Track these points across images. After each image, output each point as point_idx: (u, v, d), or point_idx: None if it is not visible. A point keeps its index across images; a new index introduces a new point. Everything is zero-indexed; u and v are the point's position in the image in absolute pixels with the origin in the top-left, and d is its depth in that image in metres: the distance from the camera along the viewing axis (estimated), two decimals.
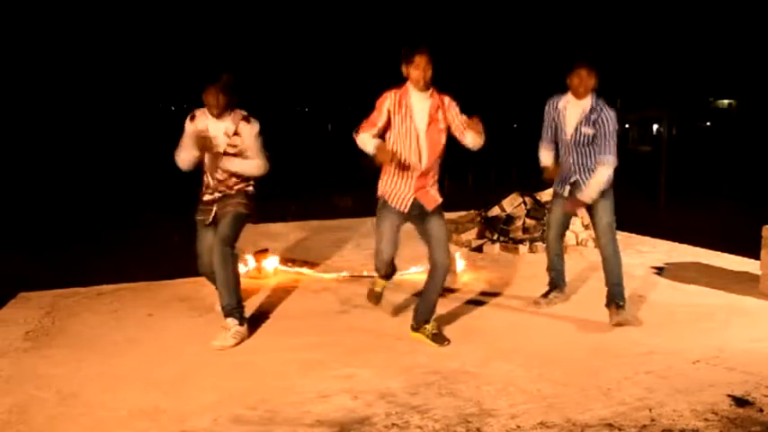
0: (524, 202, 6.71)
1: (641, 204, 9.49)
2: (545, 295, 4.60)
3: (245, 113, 3.97)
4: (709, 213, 9.48)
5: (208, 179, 4.01)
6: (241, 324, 3.89)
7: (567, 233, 6.49)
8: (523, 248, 6.28)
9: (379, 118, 3.69)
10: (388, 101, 3.69)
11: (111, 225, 8.74)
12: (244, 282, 5.17)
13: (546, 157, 4.46)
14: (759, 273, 4.97)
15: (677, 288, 5.05)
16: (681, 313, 4.39)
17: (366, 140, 3.65)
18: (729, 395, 3.09)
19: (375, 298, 4.22)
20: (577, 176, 4.23)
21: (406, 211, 3.76)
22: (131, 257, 6.34)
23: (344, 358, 3.59)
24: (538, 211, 6.64)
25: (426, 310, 3.88)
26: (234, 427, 2.81)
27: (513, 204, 6.73)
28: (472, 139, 3.66)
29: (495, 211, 6.79)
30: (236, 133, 3.92)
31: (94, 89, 37.77)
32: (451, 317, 4.33)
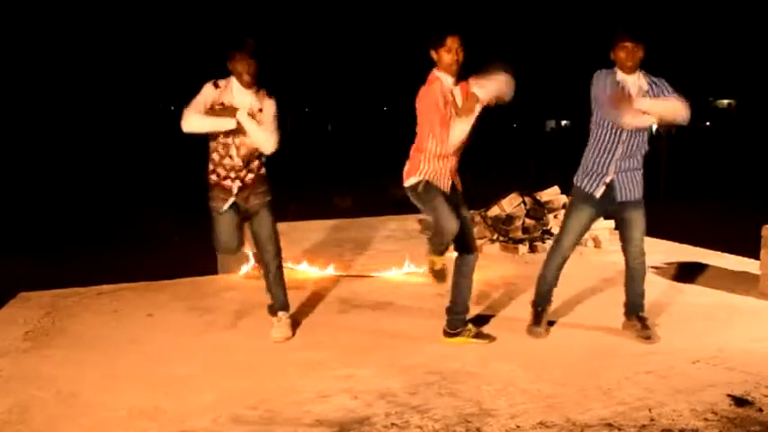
0: (524, 202, 6.71)
1: None
2: (539, 322, 4.00)
3: (265, 89, 3.77)
4: (709, 213, 9.48)
5: (229, 160, 3.71)
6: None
7: None
8: (523, 248, 6.29)
9: (442, 112, 3.54)
10: (437, 92, 3.54)
11: (111, 225, 8.74)
12: (244, 282, 5.19)
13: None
14: (759, 273, 4.97)
15: (677, 288, 5.05)
16: (681, 313, 4.38)
17: (456, 130, 3.52)
18: (729, 395, 3.09)
19: (440, 275, 3.75)
20: (615, 176, 3.68)
21: (449, 192, 3.68)
22: (132, 257, 6.34)
23: (344, 358, 3.59)
24: (538, 211, 6.64)
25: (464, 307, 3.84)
26: (234, 427, 2.81)
27: (512, 204, 6.73)
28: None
29: (495, 211, 6.79)
30: (260, 109, 3.71)
31: (94, 89, 37.75)
32: None
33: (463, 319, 3.85)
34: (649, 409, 2.95)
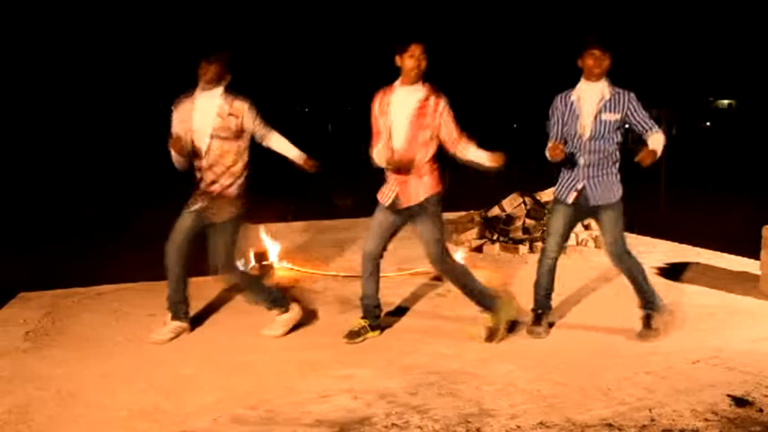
0: (524, 203, 6.71)
1: (641, 204, 9.49)
2: (540, 323, 4.03)
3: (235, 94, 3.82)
4: (709, 213, 9.48)
5: (198, 162, 3.82)
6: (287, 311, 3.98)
7: None
8: (523, 248, 6.28)
9: (376, 124, 3.71)
10: (376, 104, 3.72)
11: (110, 224, 8.74)
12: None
13: (551, 144, 3.79)
14: (759, 273, 4.97)
15: (677, 288, 5.05)
16: (681, 313, 4.38)
17: (377, 154, 3.66)
18: (729, 395, 3.09)
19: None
20: (585, 182, 3.81)
21: (388, 204, 3.75)
22: (131, 257, 6.33)
23: (344, 358, 3.59)
24: (538, 211, 6.64)
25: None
26: (234, 427, 2.81)
27: (512, 204, 6.73)
28: (473, 156, 3.67)
29: (495, 211, 6.79)
30: (230, 114, 3.76)
31: (93, 88, 37.75)
32: (451, 317, 4.33)
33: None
34: (649, 410, 2.95)
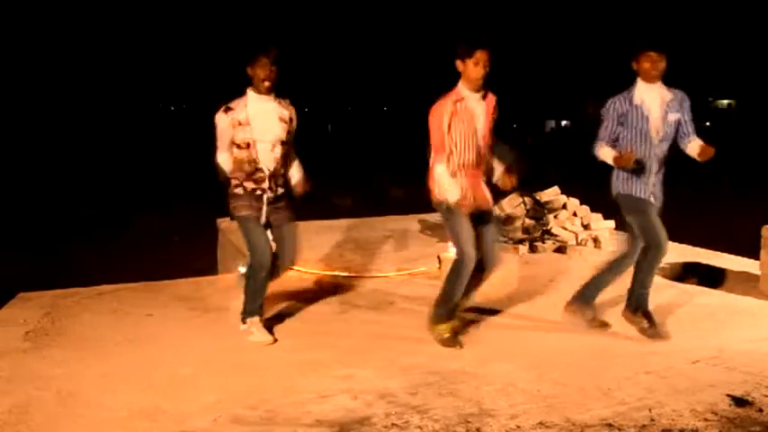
0: (524, 203, 6.71)
1: None
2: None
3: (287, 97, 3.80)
4: (709, 213, 9.48)
5: (260, 172, 3.72)
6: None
7: (566, 233, 6.50)
8: (523, 248, 6.28)
9: (443, 139, 3.65)
10: (445, 116, 3.63)
11: (110, 225, 8.74)
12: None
13: (608, 150, 3.77)
14: (759, 273, 4.97)
15: (677, 288, 5.05)
16: (681, 313, 4.38)
17: (444, 174, 3.65)
18: (729, 395, 3.09)
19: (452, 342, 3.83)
20: (655, 180, 3.83)
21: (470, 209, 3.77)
22: (132, 257, 6.34)
23: (344, 358, 3.59)
24: (538, 211, 6.64)
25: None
26: (234, 427, 2.81)
27: (512, 204, 6.72)
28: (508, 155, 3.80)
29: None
30: (291, 119, 3.76)
31: (94, 89, 37.76)
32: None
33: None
34: (649, 410, 2.94)
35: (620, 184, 3.90)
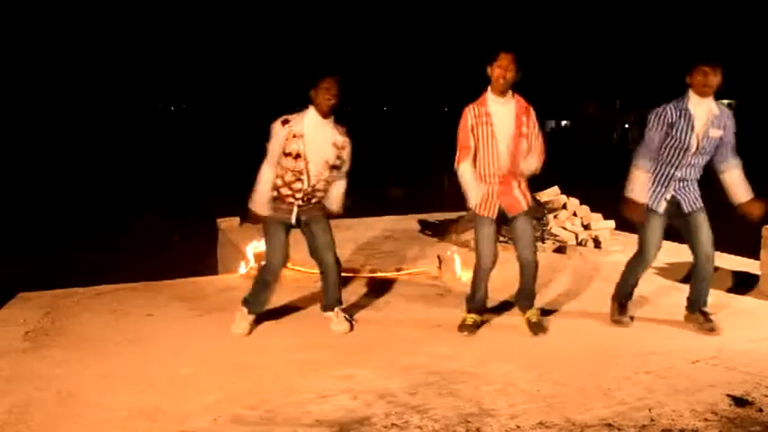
0: None
1: None
2: (624, 312, 4.24)
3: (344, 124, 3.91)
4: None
5: (299, 185, 3.84)
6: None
7: (566, 233, 6.50)
8: None
9: (468, 139, 3.78)
10: (469, 118, 3.78)
11: (110, 225, 8.74)
12: (244, 282, 5.18)
13: (641, 182, 3.89)
14: (759, 273, 4.97)
15: (677, 288, 5.05)
16: (681, 313, 4.38)
17: (467, 174, 3.79)
18: (729, 395, 3.09)
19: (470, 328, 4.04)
20: (674, 192, 3.92)
21: (494, 216, 3.88)
22: (132, 257, 6.34)
23: (344, 358, 3.59)
24: (537, 211, 6.63)
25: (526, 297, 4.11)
26: (234, 427, 2.81)
27: None
28: (530, 163, 3.84)
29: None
30: (342, 147, 3.86)
31: (94, 89, 37.78)
32: (451, 317, 4.32)
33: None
34: (649, 409, 2.94)
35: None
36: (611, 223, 6.51)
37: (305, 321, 4.25)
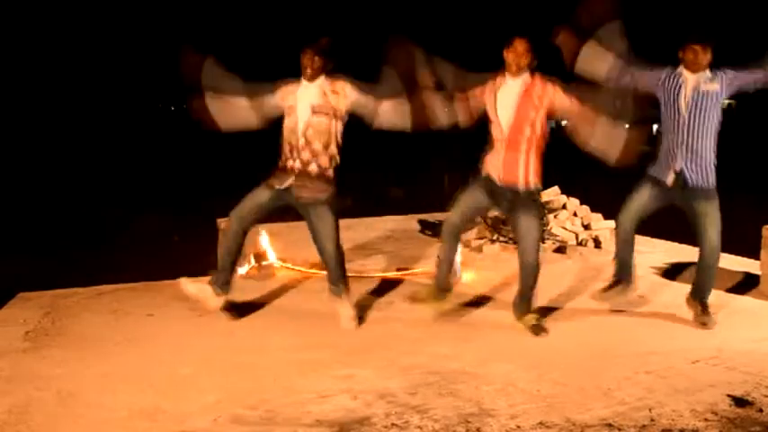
0: None
1: None
2: (606, 289, 4.28)
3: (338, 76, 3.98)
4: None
5: (294, 141, 3.97)
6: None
7: (566, 233, 6.50)
8: None
9: (477, 91, 3.93)
10: (483, 86, 3.92)
11: (111, 225, 8.74)
12: (244, 282, 5.18)
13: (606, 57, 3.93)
14: (759, 273, 4.97)
15: (677, 288, 5.04)
16: (681, 313, 4.38)
17: (460, 105, 3.96)
18: (729, 395, 3.09)
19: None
20: (683, 165, 3.85)
21: (491, 178, 3.96)
22: (132, 257, 6.34)
23: (344, 358, 3.59)
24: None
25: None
26: (234, 427, 2.81)
27: None
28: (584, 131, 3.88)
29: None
30: (333, 91, 3.95)
31: (94, 89, 37.75)
32: (451, 317, 4.33)
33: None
34: (649, 410, 2.95)
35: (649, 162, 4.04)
36: (612, 223, 6.50)
37: (305, 321, 4.25)
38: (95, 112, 34.73)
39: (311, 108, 3.91)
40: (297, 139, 3.93)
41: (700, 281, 4.16)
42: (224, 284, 4.03)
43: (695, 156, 3.85)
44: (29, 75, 34.71)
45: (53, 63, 36.32)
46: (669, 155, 3.91)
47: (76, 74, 37.12)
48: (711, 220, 3.92)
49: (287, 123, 3.98)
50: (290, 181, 3.95)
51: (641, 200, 4.04)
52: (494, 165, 3.93)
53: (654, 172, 4.02)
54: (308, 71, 3.90)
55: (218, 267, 4.04)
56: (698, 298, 4.17)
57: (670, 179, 3.91)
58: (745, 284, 5.05)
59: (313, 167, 3.95)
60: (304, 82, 3.95)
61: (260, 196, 3.99)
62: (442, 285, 4.25)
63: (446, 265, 4.18)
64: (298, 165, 3.94)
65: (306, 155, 3.93)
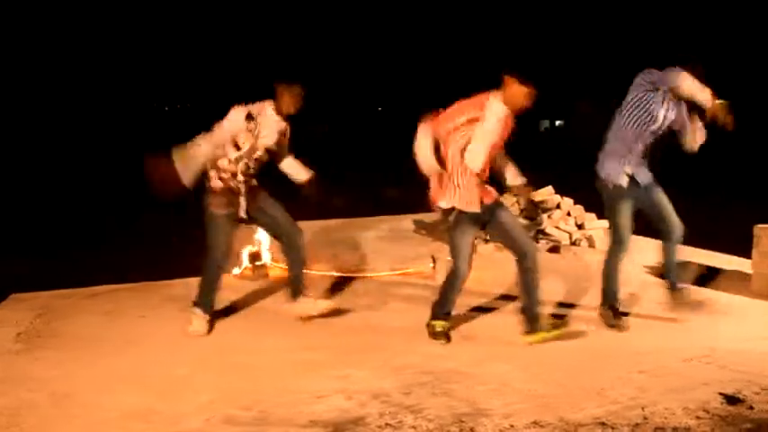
0: (518, 202, 6.72)
1: None
2: (619, 316, 4.22)
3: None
4: (703, 212, 9.50)
5: (237, 168, 3.94)
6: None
7: (560, 233, 6.51)
8: None
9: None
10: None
11: (110, 225, 8.72)
12: (237, 282, 5.18)
13: None
14: (750, 272, 4.99)
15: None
16: (673, 312, 4.40)
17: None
18: (721, 393, 3.11)
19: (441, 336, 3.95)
20: (634, 169, 4.08)
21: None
22: (130, 258, 6.33)
23: (339, 359, 3.59)
24: (531, 210, 6.65)
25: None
26: (227, 427, 2.81)
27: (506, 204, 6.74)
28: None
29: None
30: (283, 133, 4.07)
31: (92, 89, 37.64)
32: None
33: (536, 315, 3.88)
34: (642, 408, 2.96)
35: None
36: (605, 223, 6.52)
37: (299, 322, 4.25)
38: (93, 112, 34.64)
39: (266, 149, 4.00)
40: (251, 169, 4.02)
41: (674, 265, 4.29)
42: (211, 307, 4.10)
43: (643, 161, 4.13)
44: (28, 75, 34.60)
45: (52, 63, 36.20)
46: (624, 158, 4.10)
47: (75, 74, 37.02)
48: (666, 200, 4.25)
49: (233, 154, 3.95)
50: (243, 205, 4.01)
51: (627, 215, 4.20)
52: (474, 194, 3.80)
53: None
54: (292, 109, 3.97)
55: (204, 293, 4.06)
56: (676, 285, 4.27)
57: (624, 181, 4.10)
58: (737, 283, 5.07)
59: (253, 184, 4.07)
60: (271, 116, 3.95)
61: (229, 228, 4.06)
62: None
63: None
64: (243, 184, 4.00)
65: (251, 180, 4.04)
